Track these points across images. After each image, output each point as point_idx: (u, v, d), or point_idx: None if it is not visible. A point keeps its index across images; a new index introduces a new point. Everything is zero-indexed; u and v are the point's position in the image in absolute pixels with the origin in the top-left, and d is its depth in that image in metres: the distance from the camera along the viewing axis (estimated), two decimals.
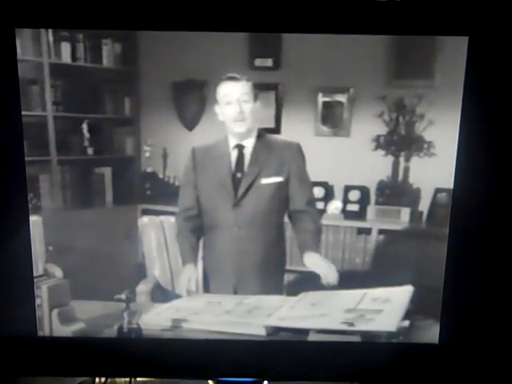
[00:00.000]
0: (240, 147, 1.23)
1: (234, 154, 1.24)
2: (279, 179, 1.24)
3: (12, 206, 1.19)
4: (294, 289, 1.28)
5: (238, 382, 1.32)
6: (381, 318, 1.27)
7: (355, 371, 1.29)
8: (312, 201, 1.24)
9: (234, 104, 1.19)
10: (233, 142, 1.23)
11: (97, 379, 1.44)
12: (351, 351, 1.28)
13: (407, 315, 1.27)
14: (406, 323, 1.27)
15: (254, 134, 1.22)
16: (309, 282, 1.27)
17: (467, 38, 1.11)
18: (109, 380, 1.46)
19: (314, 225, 1.26)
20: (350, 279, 1.26)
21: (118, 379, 1.48)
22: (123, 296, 1.26)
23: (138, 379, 1.46)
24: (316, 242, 1.27)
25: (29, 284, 1.23)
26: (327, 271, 1.26)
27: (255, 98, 1.18)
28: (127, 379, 1.46)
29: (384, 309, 1.27)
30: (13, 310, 1.24)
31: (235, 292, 1.29)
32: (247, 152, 1.24)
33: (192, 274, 1.29)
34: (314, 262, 1.27)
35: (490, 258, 1.21)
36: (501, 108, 1.14)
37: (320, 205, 1.23)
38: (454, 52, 1.12)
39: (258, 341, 1.27)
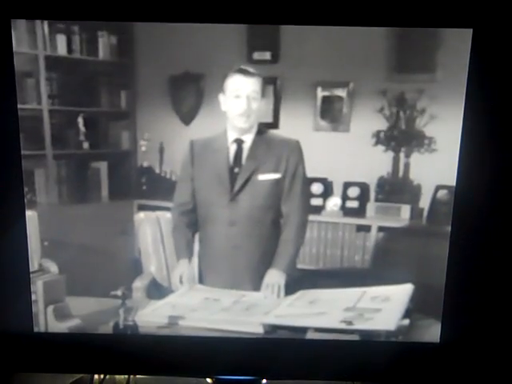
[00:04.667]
0: (239, 142, 1.22)
1: (232, 149, 1.22)
2: (276, 175, 1.22)
3: (8, 201, 1.18)
4: (292, 286, 1.27)
5: (236, 380, 1.31)
6: (380, 316, 1.26)
7: (356, 370, 1.28)
8: (300, 205, 1.23)
9: (243, 99, 1.17)
10: (232, 137, 1.21)
11: (95, 376, 1.43)
12: (352, 350, 1.26)
13: (407, 314, 1.25)
14: (406, 322, 1.26)
15: (254, 129, 1.21)
16: (307, 279, 1.26)
17: (471, 30, 1.09)
18: (107, 377, 1.44)
19: (293, 233, 1.25)
20: (348, 277, 1.25)
21: (116, 376, 1.46)
22: (119, 292, 1.25)
23: (137, 376, 1.45)
24: (285, 258, 1.26)
25: (24, 279, 1.22)
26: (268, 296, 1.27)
27: (262, 95, 1.17)
28: (126, 376, 1.44)
29: (383, 308, 1.26)
30: (8, 305, 1.23)
31: (231, 288, 1.28)
32: (246, 147, 1.22)
33: (184, 270, 1.28)
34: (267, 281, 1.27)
35: (492, 257, 1.20)
36: (505, 103, 1.12)
37: (319, 201, 1.22)
38: (457, 45, 1.10)
39: (256, 339, 1.26)
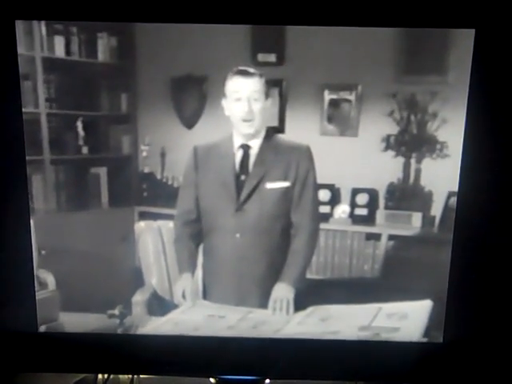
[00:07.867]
0: (245, 147, 1.18)
1: (238, 155, 1.18)
2: (285, 183, 1.18)
3: (11, 208, 1.16)
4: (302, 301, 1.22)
5: (239, 380, 1.27)
6: (398, 336, 1.21)
7: (359, 370, 1.24)
8: (311, 214, 1.19)
9: (244, 102, 1.14)
10: (238, 142, 1.17)
11: (99, 376, 1.41)
12: (354, 350, 1.22)
13: (427, 333, 1.21)
14: (425, 340, 1.21)
15: (262, 133, 1.17)
16: (316, 292, 1.21)
17: (474, 30, 1.06)
18: (111, 377, 1.41)
19: (303, 244, 1.20)
20: (360, 290, 1.20)
21: (120, 376, 1.44)
22: (116, 311, 1.20)
23: (141, 376, 1.42)
24: (294, 271, 1.21)
25: (28, 277, 1.19)
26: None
27: (266, 95, 1.13)
28: (129, 376, 1.42)
29: (401, 326, 1.21)
30: (13, 305, 1.21)
31: (237, 303, 1.23)
32: (253, 153, 1.18)
33: (187, 284, 1.22)
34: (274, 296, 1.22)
35: (494, 259, 1.16)
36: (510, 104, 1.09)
37: (326, 208, 1.18)
38: (464, 46, 1.07)
39: (259, 339, 1.22)
